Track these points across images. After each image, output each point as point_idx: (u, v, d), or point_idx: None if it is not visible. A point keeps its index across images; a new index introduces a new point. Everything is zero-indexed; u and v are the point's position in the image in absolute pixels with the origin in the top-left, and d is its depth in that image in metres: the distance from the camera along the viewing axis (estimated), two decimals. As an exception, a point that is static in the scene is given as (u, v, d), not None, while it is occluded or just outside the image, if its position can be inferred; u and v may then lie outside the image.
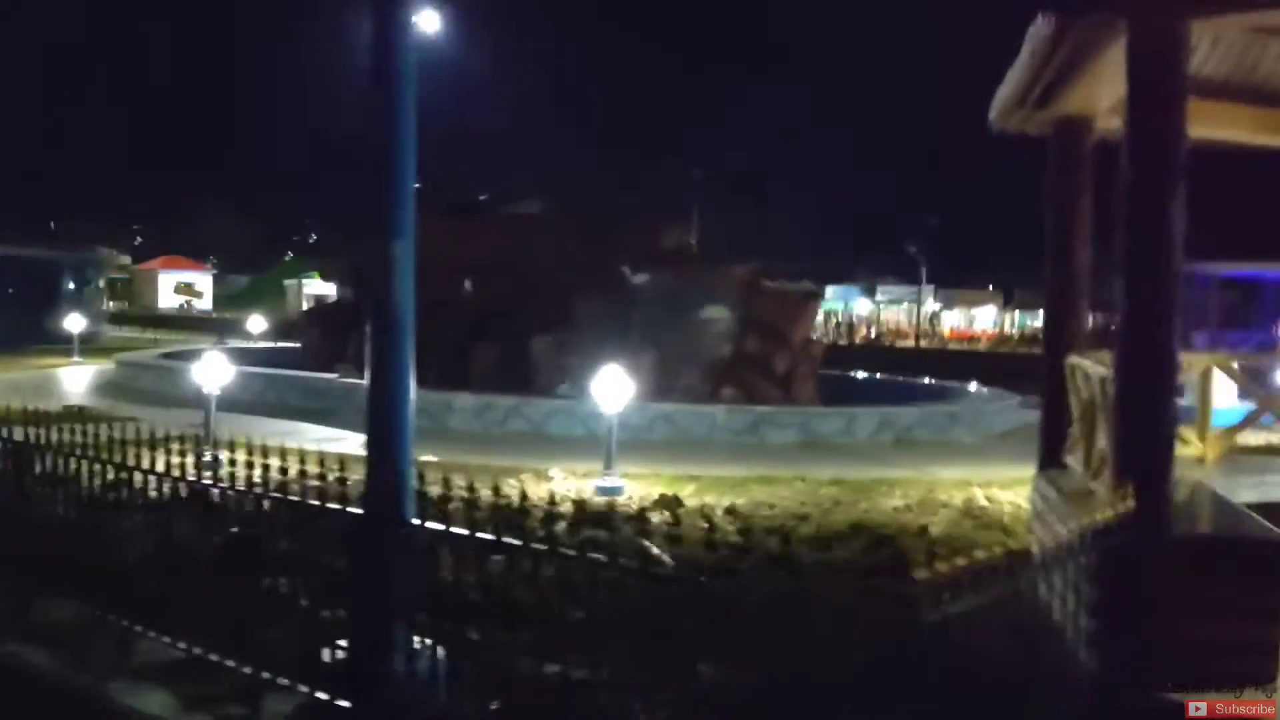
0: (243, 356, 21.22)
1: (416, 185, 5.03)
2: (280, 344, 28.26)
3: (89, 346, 27.93)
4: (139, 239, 54.58)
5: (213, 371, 11.03)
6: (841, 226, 65.38)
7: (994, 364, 30.18)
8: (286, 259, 73.01)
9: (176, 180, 72.54)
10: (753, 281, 17.01)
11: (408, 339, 4.67)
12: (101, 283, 36.68)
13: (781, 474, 10.87)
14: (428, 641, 4.48)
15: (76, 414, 13.89)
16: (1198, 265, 27.97)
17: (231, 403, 16.09)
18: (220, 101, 78.43)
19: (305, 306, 65.87)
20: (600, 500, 9.15)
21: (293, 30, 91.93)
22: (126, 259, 48.63)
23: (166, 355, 20.64)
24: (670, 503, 9.04)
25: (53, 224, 55.87)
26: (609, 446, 9.79)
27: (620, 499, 9.43)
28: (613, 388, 9.90)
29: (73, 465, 5.84)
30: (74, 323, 24.87)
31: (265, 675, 4.66)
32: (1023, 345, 46.81)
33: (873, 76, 77.84)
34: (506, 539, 4.18)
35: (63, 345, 27.75)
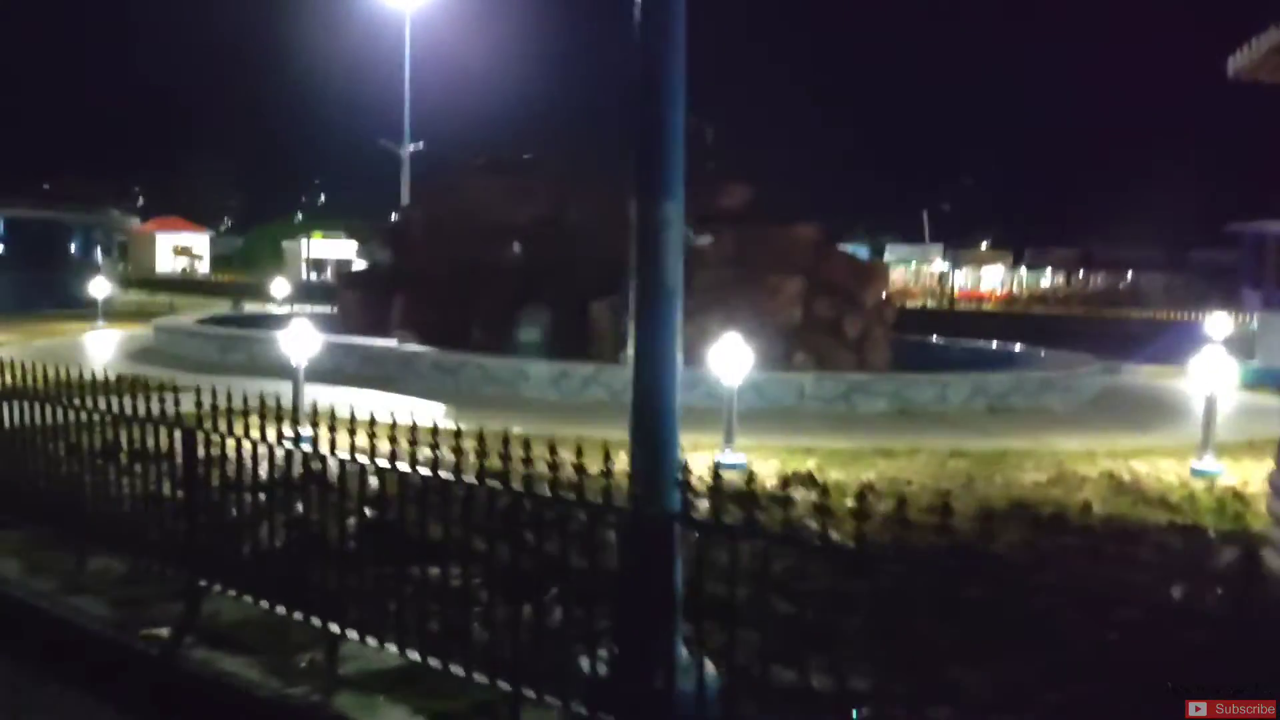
0: (276, 322, 20.65)
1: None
2: (302, 308, 27.65)
3: (105, 311, 27.24)
4: (141, 199, 53.46)
5: (300, 341, 10.47)
6: (842, 183, 64.54)
7: (1015, 324, 29.91)
8: (297, 220, 71.89)
9: (171, 139, 71.26)
10: (822, 243, 16.46)
11: (675, 314, 4.16)
12: (114, 245, 35.83)
13: (895, 445, 10.41)
14: (692, 651, 4.03)
15: (140, 384, 13.43)
16: (1254, 224, 27.60)
17: (285, 369, 15.56)
18: (221, 56, 76.66)
19: (304, 268, 65.26)
20: (729, 477, 8.68)
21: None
22: (136, 220, 47.55)
23: (205, 320, 19.98)
24: (805, 480, 8.57)
25: (46, 185, 54.74)
26: (729, 420, 9.30)
27: (744, 475, 8.95)
28: (732, 357, 9.38)
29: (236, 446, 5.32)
30: (99, 287, 24.13)
31: (506, 686, 4.19)
32: (1037, 304, 46.52)
33: (874, 33, 76.76)
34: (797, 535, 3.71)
35: (78, 310, 27.10)
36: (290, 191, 77.14)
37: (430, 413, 9.66)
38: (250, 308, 32.66)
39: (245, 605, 5.16)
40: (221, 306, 32.23)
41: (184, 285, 45.80)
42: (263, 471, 5.28)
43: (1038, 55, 65.42)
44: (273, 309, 26.38)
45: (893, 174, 56.98)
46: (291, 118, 75.74)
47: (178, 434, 5.57)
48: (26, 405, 6.68)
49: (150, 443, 5.76)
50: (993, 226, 61.13)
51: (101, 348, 18.68)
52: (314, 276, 61.49)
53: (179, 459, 5.54)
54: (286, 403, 5.67)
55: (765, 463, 9.52)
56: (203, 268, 63.91)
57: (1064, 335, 23.78)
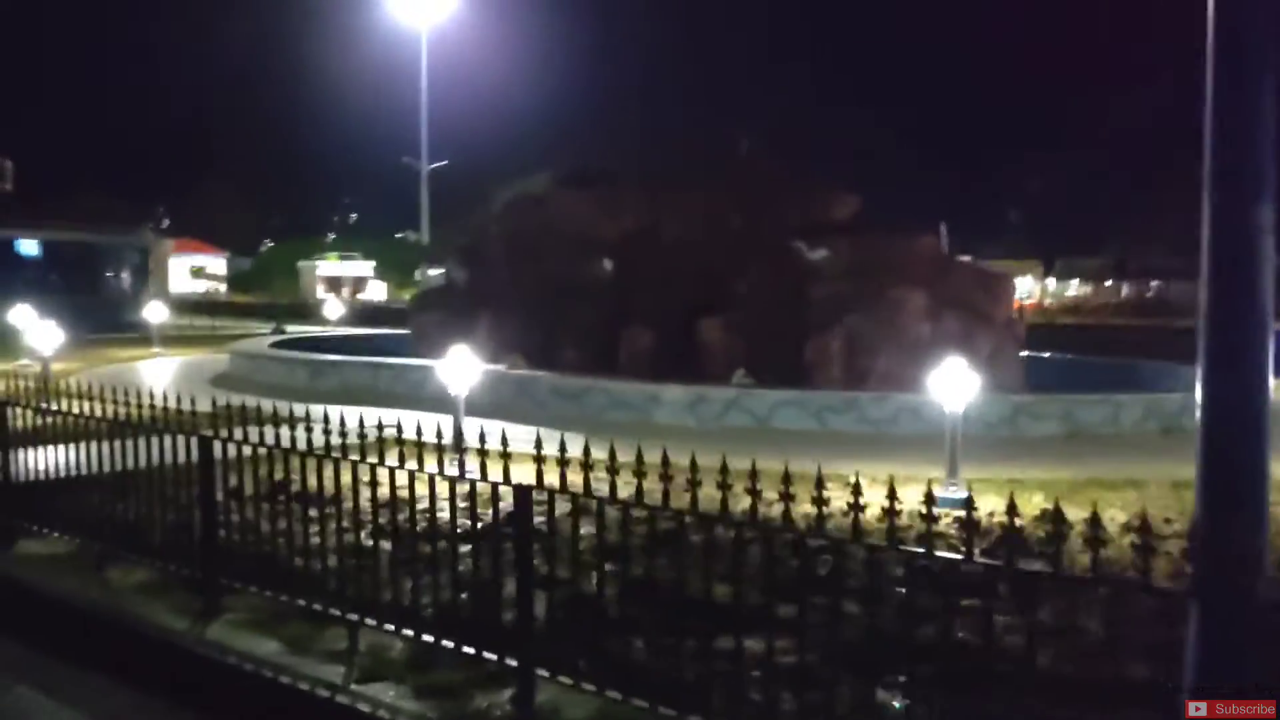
0: (338, 346, 19.78)
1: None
2: (364, 329, 26.78)
3: (136, 336, 26.33)
4: (166, 220, 52.57)
5: (460, 370, 9.63)
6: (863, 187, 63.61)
7: (1065, 335, 29.19)
8: (328, 239, 71.18)
9: (184, 160, 70.48)
10: (944, 254, 15.67)
11: (1267, 339, 3.32)
12: (147, 267, 34.98)
13: (1103, 475, 9.60)
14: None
15: (255, 413, 12.57)
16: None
17: (388, 395, 14.77)
18: (236, 76, 75.96)
19: (319, 288, 64.47)
20: (961, 515, 7.83)
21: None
22: (170, 242, 46.71)
23: (278, 344, 19.15)
24: (1058, 519, 7.72)
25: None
26: (952, 450, 8.46)
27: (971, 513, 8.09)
28: (955, 380, 8.55)
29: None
30: (154, 312, 23.23)
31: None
32: (1068, 314, 45.84)
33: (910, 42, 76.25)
34: None
35: (123, 334, 26.25)
36: (303, 213, 76.31)
37: (572, 442, 8.76)
38: (294, 329, 31.84)
39: (585, 697, 4.30)
40: (260, 328, 31.40)
41: (211, 307, 44.87)
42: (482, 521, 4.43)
43: (1058, 63, 64.94)
44: (331, 330, 25.46)
45: (919, 182, 56.32)
46: (306, 138, 75.08)
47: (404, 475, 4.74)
48: (174, 440, 5.90)
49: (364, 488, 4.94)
50: (1019, 235, 60.44)
51: (175, 375, 17.80)
52: (331, 297, 60.79)
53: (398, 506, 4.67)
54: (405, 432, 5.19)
55: (981, 497, 8.68)
56: (221, 289, 63.03)
57: (1125, 345, 23.06)
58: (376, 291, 64.50)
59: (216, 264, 65.30)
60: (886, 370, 14.41)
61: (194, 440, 6.10)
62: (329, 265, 66.79)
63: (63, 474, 7.09)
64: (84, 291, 28.42)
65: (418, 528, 5.18)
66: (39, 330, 13.23)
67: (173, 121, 72.90)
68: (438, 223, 60.71)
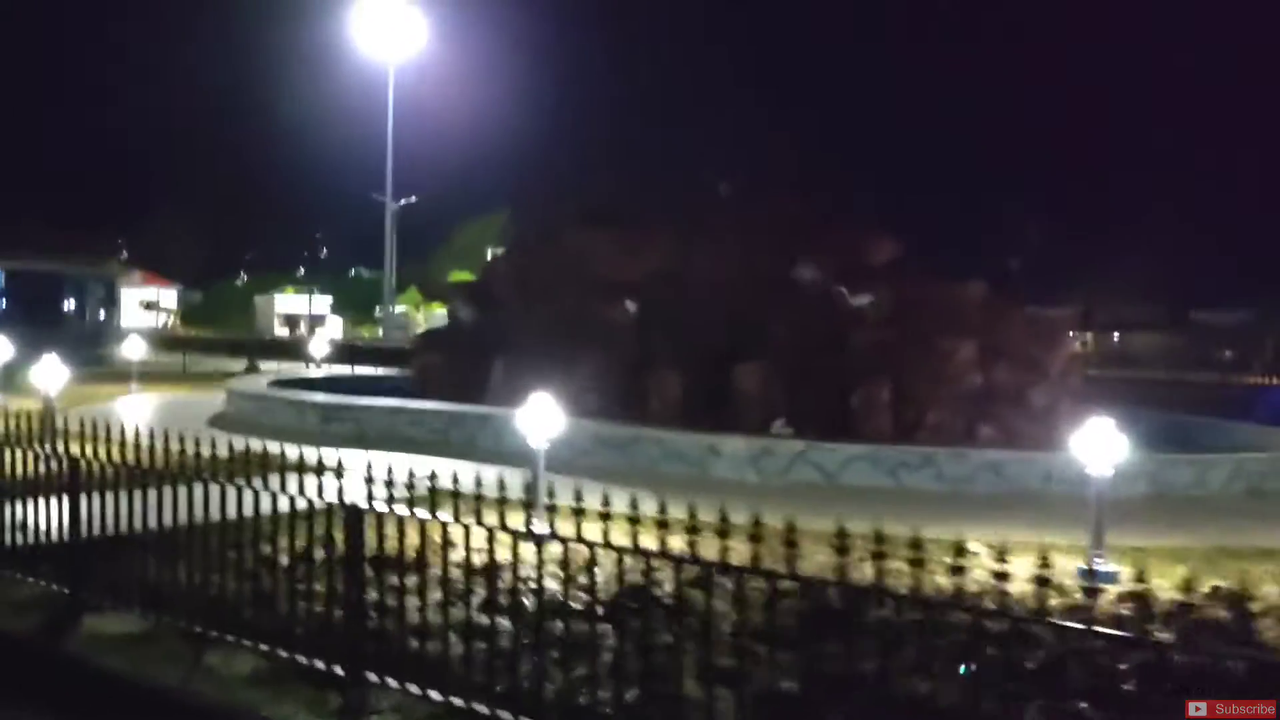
0: (336, 387, 18.75)
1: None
2: (348, 368, 25.63)
3: (108, 371, 24.96)
4: (125, 253, 50.70)
5: (542, 420, 8.79)
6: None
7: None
8: (299, 273, 69.59)
9: (132, 190, 68.59)
10: (993, 302, 15.20)
11: None
12: (115, 299, 33.51)
13: (1227, 543, 9.05)
14: None
15: (276, 460, 11.57)
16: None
17: (409, 442, 13.75)
18: (189, 108, 74.30)
19: (277, 324, 62.87)
20: (1114, 591, 7.18)
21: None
22: (137, 273, 45.03)
23: (276, 384, 18.06)
24: (1238, 598, 7.09)
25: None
26: (1097, 519, 7.81)
27: (1118, 589, 7.45)
28: (1105, 440, 7.91)
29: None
30: (133, 347, 21.95)
31: None
32: (1109, 367, 45.71)
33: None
34: None
35: (93, 369, 24.81)
36: (260, 247, 74.69)
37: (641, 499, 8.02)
38: (268, 366, 30.55)
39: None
40: (231, 365, 30.09)
41: (172, 342, 43.19)
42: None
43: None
44: (325, 370, 24.26)
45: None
46: (264, 172, 73.61)
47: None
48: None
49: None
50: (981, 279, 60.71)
51: (166, 417, 16.60)
52: (287, 332, 59.26)
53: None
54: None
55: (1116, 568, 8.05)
56: (166, 322, 61.08)
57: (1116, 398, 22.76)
58: (333, 328, 63.02)
59: (167, 297, 63.30)
60: (938, 423, 13.83)
61: (331, 502, 5.23)
62: (286, 300, 65.22)
63: (133, 537, 6.16)
64: (47, 324, 26.92)
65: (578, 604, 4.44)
66: (43, 367, 12.10)
67: (125, 152, 71.09)
68: (401, 260, 59.73)
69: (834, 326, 14.91)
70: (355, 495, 5.30)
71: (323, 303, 66.11)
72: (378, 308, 59.52)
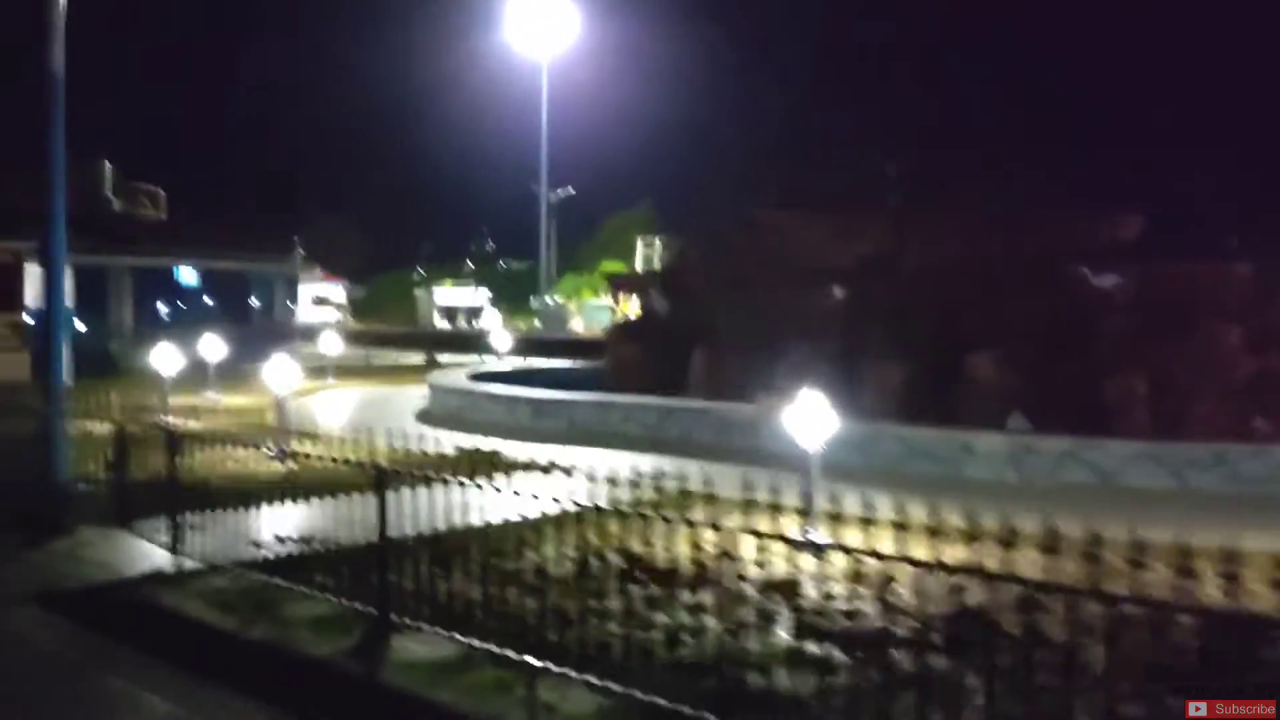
0: (528, 379, 18.43)
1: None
2: (534, 360, 25.55)
3: (306, 366, 25.46)
4: (301, 250, 52.46)
5: (815, 421, 8.05)
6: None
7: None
8: (467, 267, 71.48)
9: (301, 187, 71.08)
10: (1262, 282, 13.70)
11: None
12: (296, 295, 34.55)
13: None
14: None
15: (491, 459, 11.30)
16: None
17: (622, 437, 13.32)
18: (355, 106, 76.55)
19: (436, 317, 64.12)
20: None
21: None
22: (317, 269, 46.75)
23: (476, 378, 17.92)
24: None
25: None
26: None
27: None
28: None
29: None
30: (329, 343, 22.31)
31: None
32: None
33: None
34: None
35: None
36: (418, 241, 76.49)
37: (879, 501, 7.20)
38: (446, 359, 30.86)
39: None
40: (406, 358, 30.50)
41: (344, 336, 44.36)
42: None
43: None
44: (515, 362, 24.11)
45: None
46: (422, 167, 75.32)
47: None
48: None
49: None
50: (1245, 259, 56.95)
51: (374, 412, 16.61)
52: (448, 325, 60.33)
53: None
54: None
55: None
56: (337, 315, 62.88)
57: None
58: (492, 319, 63.90)
59: (337, 291, 65.24)
60: (1205, 417, 12.46)
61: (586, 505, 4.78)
62: (445, 293, 66.49)
63: (406, 545, 5.81)
64: (237, 320, 27.75)
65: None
66: (274, 367, 12.08)
67: (289, 153, 73.69)
68: (558, 249, 60.12)
69: (1077, 311, 13.67)
70: (600, 496, 5.21)
71: (481, 295, 67.13)
72: (532, 298, 59.98)
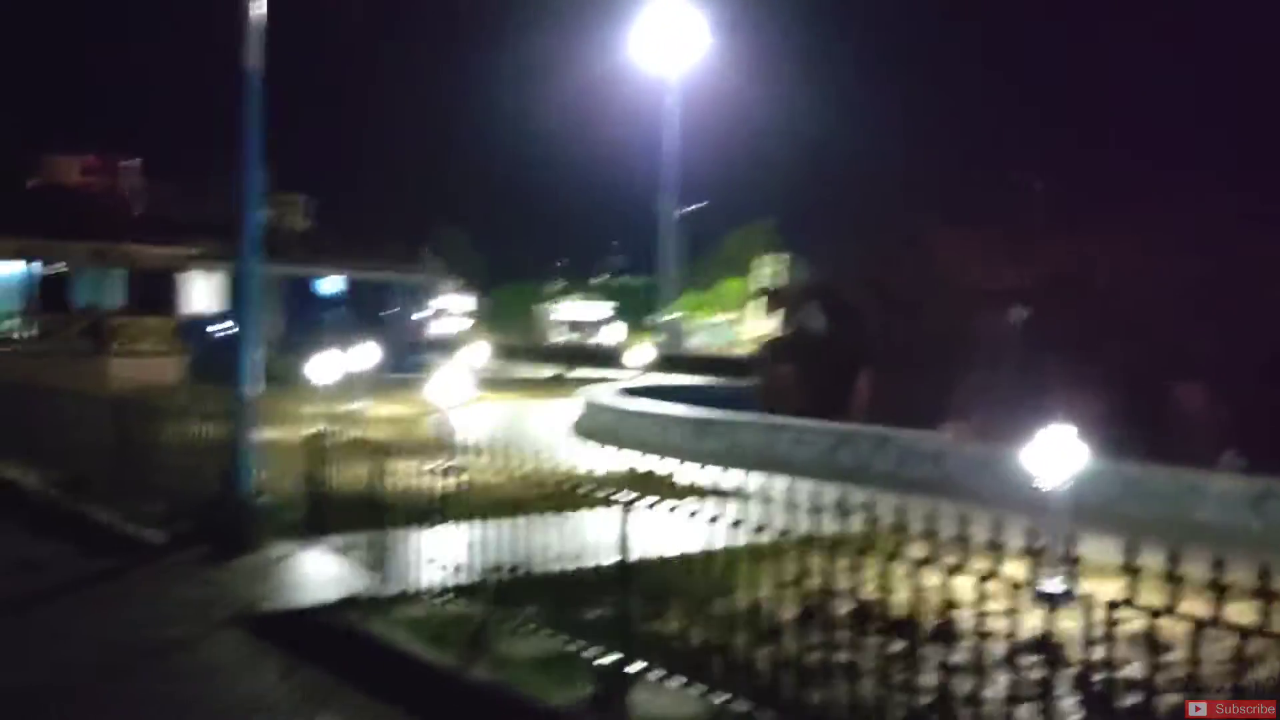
0: (673, 396, 17.83)
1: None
2: (672, 376, 25.08)
3: (412, 379, 25.49)
4: (434, 261, 53.55)
5: (1059, 456, 7.22)
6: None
7: None
8: (597, 279, 72.07)
9: (427, 202, 72.37)
10: None
11: None
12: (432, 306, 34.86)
13: None
14: None
15: (661, 481, 10.76)
16: None
17: (789, 462, 12.66)
18: (473, 119, 77.94)
19: (560, 329, 64.47)
20: None
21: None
22: (451, 281, 47.52)
23: (627, 393, 17.47)
24: None
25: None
26: None
27: None
28: None
29: None
30: (477, 354, 22.17)
31: None
32: None
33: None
34: None
35: (416, 374, 25.43)
36: (539, 252, 77.09)
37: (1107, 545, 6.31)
38: (579, 374, 30.64)
39: None
40: (537, 371, 30.35)
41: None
42: None
43: None
44: (641, 378, 23.68)
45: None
46: (543, 182, 76.03)
47: None
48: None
49: None
50: None
51: (526, 427, 16.26)
52: (571, 338, 60.54)
53: None
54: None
55: None
56: (461, 326, 63.63)
57: None
58: (615, 334, 63.86)
59: (465, 303, 65.99)
60: None
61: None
62: (567, 307, 66.78)
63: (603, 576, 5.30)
64: (376, 329, 27.94)
65: None
66: (443, 377, 11.75)
67: (417, 164, 75.10)
68: (678, 265, 59.65)
69: (1295, 340, 12.43)
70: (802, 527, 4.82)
71: (602, 310, 67.22)
72: (651, 314, 59.67)
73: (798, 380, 16.95)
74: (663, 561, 5.71)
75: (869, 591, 4.72)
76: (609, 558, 6.09)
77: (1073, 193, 18.23)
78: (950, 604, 4.56)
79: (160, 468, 9.14)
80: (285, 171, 32.77)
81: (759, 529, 5.02)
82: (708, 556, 5.59)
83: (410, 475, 8.41)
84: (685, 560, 5.62)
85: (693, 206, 50.93)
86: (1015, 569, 4.56)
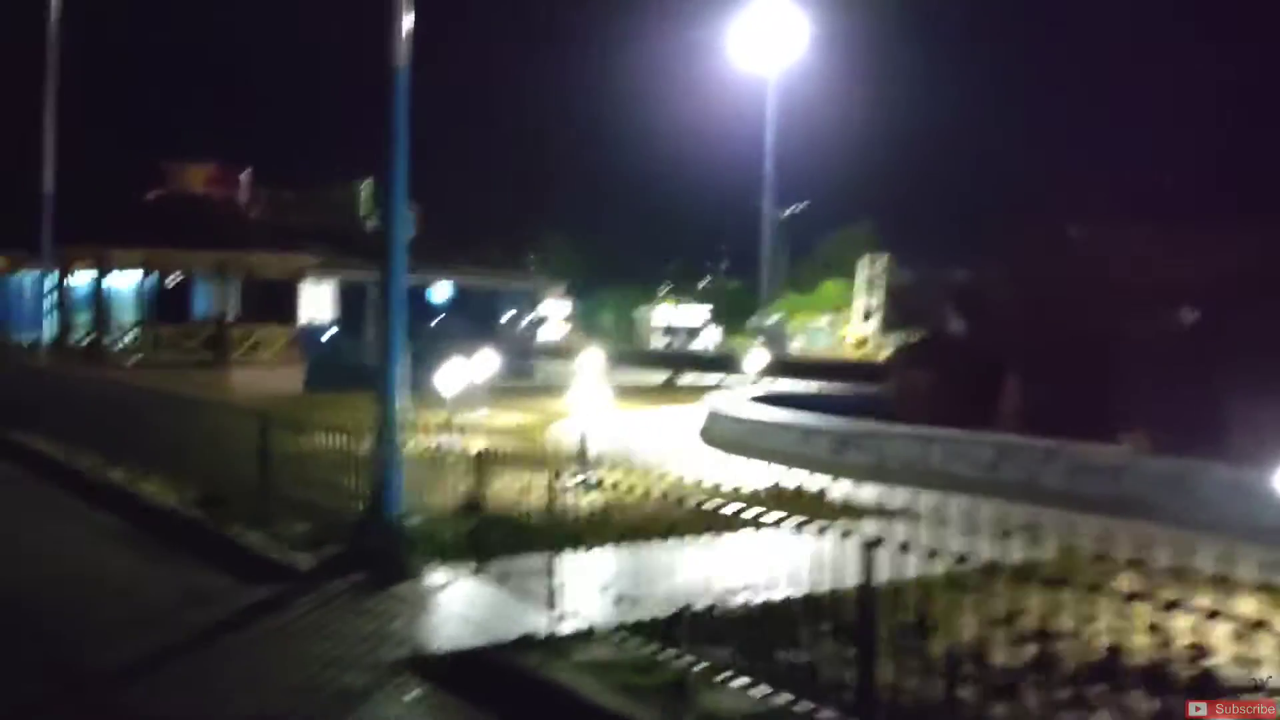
0: (803, 404, 17.01)
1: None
2: (791, 381, 24.34)
3: (525, 387, 25.20)
4: (536, 266, 53.80)
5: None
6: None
7: None
8: (705, 282, 71.94)
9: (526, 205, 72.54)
10: None
11: None
12: (536, 313, 34.69)
13: None
14: None
15: (821, 501, 10.07)
16: None
17: (945, 477, 11.81)
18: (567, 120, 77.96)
19: (657, 334, 63.92)
20: None
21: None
22: (557, 287, 47.54)
23: (758, 399, 16.80)
24: None
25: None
26: None
27: None
28: None
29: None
30: (591, 360, 21.61)
31: None
32: None
33: None
34: None
35: (525, 381, 25.23)
36: (641, 256, 76.68)
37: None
38: (688, 380, 30.03)
39: None
40: (646, 377, 29.78)
41: (569, 353, 44.38)
42: None
43: None
44: (757, 385, 22.94)
45: None
46: (640, 182, 75.61)
47: None
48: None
49: None
50: None
51: (652, 437, 15.64)
52: (670, 344, 59.91)
53: None
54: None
55: None
56: (561, 332, 63.55)
57: None
58: (712, 338, 63.10)
59: (562, 308, 65.95)
60: None
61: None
62: (664, 311, 66.23)
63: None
64: (486, 336, 27.73)
65: None
66: (581, 390, 11.25)
67: (512, 168, 75.27)
68: (778, 268, 58.67)
69: None
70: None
71: (700, 313, 66.50)
72: (751, 318, 58.70)
73: (936, 386, 16.02)
74: (839, 594, 5.08)
75: (1095, 631, 4.31)
76: (788, 588, 5.59)
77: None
78: (1200, 650, 4.10)
79: (296, 481, 8.78)
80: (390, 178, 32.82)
81: (937, 556, 4.61)
82: (894, 589, 5.00)
83: (547, 489, 7.86)
84: (867, 591, 4.99)
85: (796, 207, 49.98)
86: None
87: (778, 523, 5.83)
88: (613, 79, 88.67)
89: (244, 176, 28.38)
